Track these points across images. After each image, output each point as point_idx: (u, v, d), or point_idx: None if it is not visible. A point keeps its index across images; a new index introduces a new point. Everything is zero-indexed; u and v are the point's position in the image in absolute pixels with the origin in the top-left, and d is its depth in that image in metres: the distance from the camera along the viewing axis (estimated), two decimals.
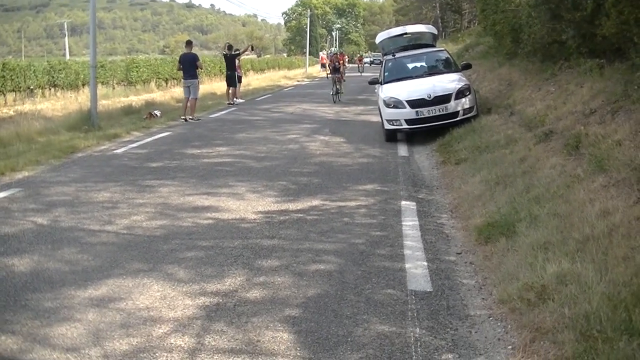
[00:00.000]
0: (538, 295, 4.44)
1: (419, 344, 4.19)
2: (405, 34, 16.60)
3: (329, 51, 59.13)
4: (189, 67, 18.27)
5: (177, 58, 21.19)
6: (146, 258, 5.97)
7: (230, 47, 25.08)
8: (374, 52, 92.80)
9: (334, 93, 24.18)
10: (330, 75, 27.12)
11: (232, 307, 4.80)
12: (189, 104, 18.25)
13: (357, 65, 61.67)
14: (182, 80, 19.01)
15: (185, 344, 4.22)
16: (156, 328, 4.48)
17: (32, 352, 4.16)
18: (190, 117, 18.13)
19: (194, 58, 18.53)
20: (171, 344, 4.22)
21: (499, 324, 4.48)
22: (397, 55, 15.39)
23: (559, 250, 5.02)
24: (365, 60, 73.69)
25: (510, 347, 4.12)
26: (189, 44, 19.21)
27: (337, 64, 25.55)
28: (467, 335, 4.38)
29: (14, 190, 9.08)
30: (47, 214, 7.67)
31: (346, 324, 4.50)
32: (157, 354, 4.08)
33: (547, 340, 3.90)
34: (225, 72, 25.04)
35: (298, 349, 4.16)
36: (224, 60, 25.28)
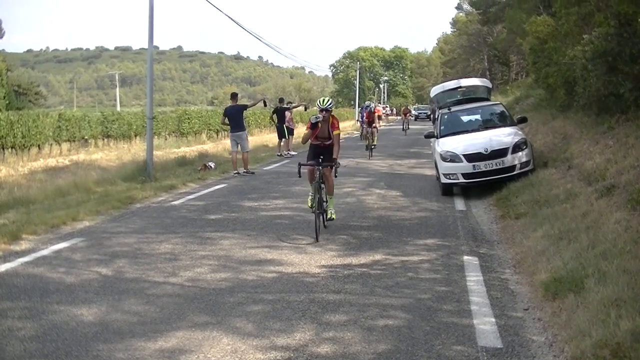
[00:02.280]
0: (613, 353, 4.40)
1: None
2: (460, 87, 16.71)
3: (369, 104, 41.00)
4: (236, 119, 18.03)
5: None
6: (213, 311, 6.05)
7: (281, 100, 26.20)
8: (422, 104, 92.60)
9: (313, 204, 9.60)
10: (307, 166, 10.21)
11: None
12: (241, 158, 17.93)
13: (401, 119, 47.79)
14: (230, 133, 18.65)
15: None
16: None
17: None
18: (245, 170, 17.85)
19: (241, 110, 18.43)
20: None
21: None
22: (453, 109, 15.47)
23: (632, 307, 4.98)
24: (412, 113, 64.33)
25: None
26: (234, 96, 19.16)
27: (325, 136, 10.12)
28: None
29: (76, 240, 9.26)
30: (110, 265, 7.82)
31: None
32: None
33: None
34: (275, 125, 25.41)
35: None
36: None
